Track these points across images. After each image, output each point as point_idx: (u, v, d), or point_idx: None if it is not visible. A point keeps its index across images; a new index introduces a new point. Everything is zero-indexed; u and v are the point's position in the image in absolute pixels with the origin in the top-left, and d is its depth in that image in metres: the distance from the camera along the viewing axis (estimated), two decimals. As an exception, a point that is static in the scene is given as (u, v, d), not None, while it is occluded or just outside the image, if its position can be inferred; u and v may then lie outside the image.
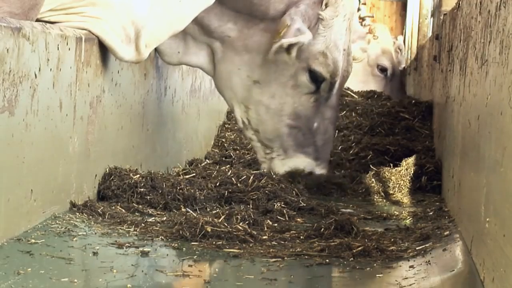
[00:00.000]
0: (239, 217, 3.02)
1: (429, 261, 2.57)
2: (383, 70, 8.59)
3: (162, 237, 2.76)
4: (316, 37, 3.85)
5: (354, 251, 2.67)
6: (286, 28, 3.73)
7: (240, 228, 2.86)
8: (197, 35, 3.92)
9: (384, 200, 4.07)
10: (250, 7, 3.80)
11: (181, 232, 2.79)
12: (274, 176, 3.72)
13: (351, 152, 5.01)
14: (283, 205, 3.42)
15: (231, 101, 4.05)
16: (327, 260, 2.59)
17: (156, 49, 3.77)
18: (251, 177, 3.64)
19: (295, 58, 3.83)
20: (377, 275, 2.46)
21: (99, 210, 2.98)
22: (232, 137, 5.41)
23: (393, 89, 8.60)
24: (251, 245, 2.75)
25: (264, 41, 3.80)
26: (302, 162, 4.00)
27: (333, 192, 4.14)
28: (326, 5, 3.82)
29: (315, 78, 3.91)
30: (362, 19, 10.37)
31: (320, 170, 4.05)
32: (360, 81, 8.23)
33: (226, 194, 3.47)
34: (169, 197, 3.29)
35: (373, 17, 12.24)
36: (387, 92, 8.38)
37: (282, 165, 4.00)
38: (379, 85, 8.48)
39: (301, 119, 3.95)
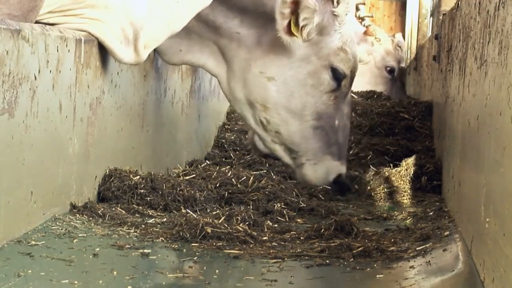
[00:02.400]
0: (239, 218, 3.02)
1: (429, 261, 2.57)
2: (391, 71, 8.62)
3: (163, 238, 2.76)
4: (333, 34, 3.80)
5: (354, 251, 2.67)
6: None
7: (240, 229, 2.86)
8: (202, 32, 3.84)
9: (384, 201, 4.07)
10: (257, 2, 3.76)
11: (181, 233, 2.79)
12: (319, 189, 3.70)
13: (351, 152, 5.01)
14: (283, 206, 3.42)
15: (244, 101, 3.90)
16: (328, 261, 2.60)
17: (156, 49, 3.76)
18: (251, 178, 3.64)
19: (307, 50, 3.75)
20: (377, 276, 2.46)
21: (99, 212, 2.98)
22: (232, 138, 5.41)
23: (397, 89, 8.63)
24: (251, 246, 2.75)
25: (274, 37, 3.73)
26: (331, 165, 3.90)
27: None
28: (338, 2, 3.78)
29: (337, 75, 3.85)
30: (361, 19, 10.37)
31: (344, 169, 3.96)
32: (368, 82, 8.26)
33: (226, 195, 3.47)
34: (169, 198, 3.29)
35: (372, 17, 12.25)
36: (394, 92, 8.41)
37: (314, 171, 3.88)
38: (386, 86, 8.52)
39: (324, 118, 3.85)
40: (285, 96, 3.79)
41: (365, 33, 8.44)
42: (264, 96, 3.81)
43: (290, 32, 3.65)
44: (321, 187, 3.99)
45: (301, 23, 3.63)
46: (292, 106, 3.80)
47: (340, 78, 3.84)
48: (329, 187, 3.95)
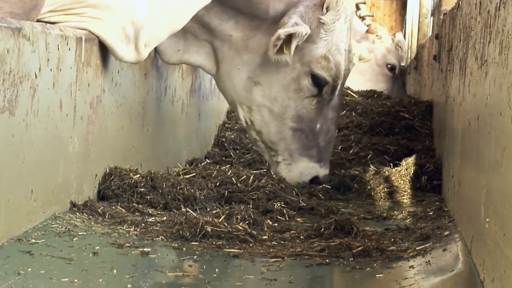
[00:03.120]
0: (239, 217, 3.02)
1: (429, 261, 2.57)
2: (392, 68, 8.62)
3: (162, 237, 2.77)
4: (318, 41, 3.85)
5: (354, 251, 2.67)
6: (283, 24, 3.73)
7: (240, 228, 2.86)
8: (197, 33, 3.90)
9: (384, 200, 4.07)
10: (250, 5, 3.79)
11: (181, 232, 2.79)
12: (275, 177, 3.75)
13: (351, 151, 5.02)
14: (283, 205, 3.42)
15: (233, 101, 4.05)
16: (327, 260, 2.60)
17: (155, 49, 3.76)
18: (251, 177, 3.64)
19: (293, 56, 3.79)
20: (377, 275, 2.47)
21: (99, 210, 2.98)
22: (232, 136, 5.40)
23: (399, 86, 8.62)
24: (251, 245, 2.76)
25: (264, 42, 3.79)
26: (306, 166, 4.01)
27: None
28: (327, 9, 3.81)
29: (318, 82, 3.91)
30: (362, 18, 10.37)
31: (323, 172, 4.06)
32: (369, 80, 8.25)
33: (226, 194, 3.47)
34: (169, 197, 3.29)
35: (373, 16, 12.24)
36: (395, 89, 8.40)
37: (287, 171, 4.00)
38: (388, 84, 8.50)
39: (304, 121, 3.96)
40: (269, 100, 3.91)
41: (367, 31, 8.43)
42: (250, 99, 3.94)
43: (279, 52, 3.74)
44: (321, 186, 4.00)
45: (292, 46, 3.71)
46: (275, 109, 3.93)
47: (322, 85, 3.91)
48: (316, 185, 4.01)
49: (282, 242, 2.85)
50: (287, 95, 3.90)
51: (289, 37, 3.70)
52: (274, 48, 3.71)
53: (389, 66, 8.62)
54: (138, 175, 3.32)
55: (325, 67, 3.88)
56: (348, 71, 4.10)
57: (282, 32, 3.68)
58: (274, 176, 3.92)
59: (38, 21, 2.73)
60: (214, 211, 3.12)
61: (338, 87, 4.02)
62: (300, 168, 4.01)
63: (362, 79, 8.01)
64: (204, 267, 2.46)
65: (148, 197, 3.26)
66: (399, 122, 5.62)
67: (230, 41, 3.86)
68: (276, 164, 4.03)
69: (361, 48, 7.72)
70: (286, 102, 3.91)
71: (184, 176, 3.60)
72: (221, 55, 3.92)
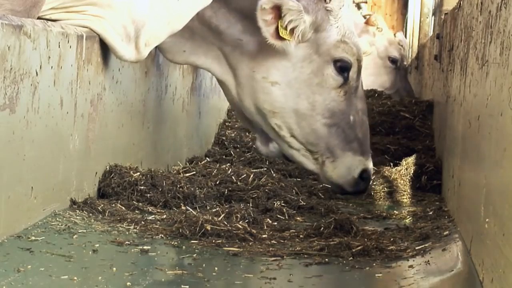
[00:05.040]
0: (238, 215, 3.02)
1: (428, 261, 2.58)
2: (394, 61, 8.60)
3: (162, 235, 2.77)
4: (329, 29, 3.78)
5: (354, 250, 2.68)
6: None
7: (240, 226, 2.86)
8: (206, 35, 3.81)
9: (384, 200, 4.07)
10: (254, 5, 3.75)
11: (180, 230, 2.79)
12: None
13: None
14: (283, 204, 3.42)
15: (252, 108, 3.86)
16: (327, 259, 2.60)
17: (158, 47, 3.75)
18: (251, 176, 3.64)
19: (307, 49, 3.73)
20: (376, 275, 2.47)
21: (99, 208, 2.98)
22: (233, 135, 5.41)
23: (401, 77, 8.60)
24: (250, 243, 2.76)
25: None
26: (353, 160, 3.86)
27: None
28: None
29: (342, 67, 3.80)
30: (364, 17, 10.36)
31: (370, 164, 3.92)
32: (371, 74, 8.22)
33: (226, 192, 3.47)
34: (169, 195, 3.29)
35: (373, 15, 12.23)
36: (398, 81, 8.38)
37: (333, 168, 3.83)
38: (390, 76, 8.48)
39: (337, 115, 3.82)
40: (292, 99, 3.76)
41: (367, 22, 8.38)
42: (270, 101, 3.78)
43: (280, 37, 3.65)
44: (321, 185, 3.99)
45: (288, 26, 3.62)
46: (301, 107, 3.78)
47: (347, 69, 3.82)
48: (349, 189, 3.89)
49: (282, 241, 2.85)
50: (311, 89, 3.77)
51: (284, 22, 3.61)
52: (266, 26, 3.59)
53: (391, 58, 8.60)
54: (138, 173, 3.32)
55: (345, 49, 3.79)
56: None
57: (264, 1, 3.56)
58: (323, 182, 3.84)
59: (39, 18, 2.73)
60: (214, 210, 3.12)
61: (361, 73, 3.96)
62: (347, 164, 3.84)
63: (364, 72, 8.00)
64: (204, 265, 2.46)
65: (148, 195, 3.26)
66: (399, 122, 5.62)
67: (241, 46, 3.77)
68: (321, 166, 3.85)
69: (362, 41, 7.70)
70: (311, 97, 3.77)
71: (184, 174, 3.60)
72: (234, 61, 3.81)
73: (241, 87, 3.84)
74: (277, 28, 3.63)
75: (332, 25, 3.78)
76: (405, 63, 8.97)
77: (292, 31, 3.63)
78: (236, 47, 3.78)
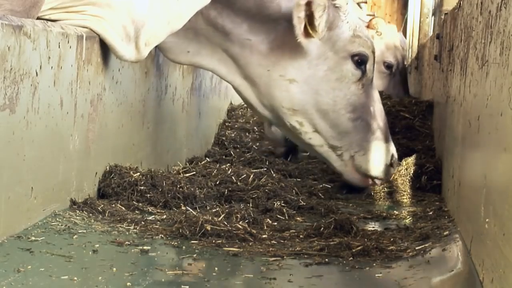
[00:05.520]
0: (238, 215, 3.02)
1: (428, 261, 2.58)
2: (389, 66, 8.60)
3: (162, 235, 2.77)
4: (341, 25, 3.83)
5: (354, 250, 2.67)
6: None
7: (240, 226, 2.86)
8: (211, 36, 3.80)
9: (384, 200, 4.07)
10: (260, 5, 3.75)
11: (180, 231, 2.79)
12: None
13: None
14: (283, 204, 3.42)
15: (269, 108, 3.85)
16: (327, 260, 2.60)
17: (158, 47, 3.75)
18: (251, 176, 3.64)
19: (321, 47, 3.75)
20: (376, 275, 2.47)
21: (99, 208, 2.98)
22: (233, 135, 5.41)
23: (395, 84, 8.59)
24: (250, 243, 2.76)
25: (286, 39, 3.73)
26: (382, 148, 3.93)
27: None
28: None
29: (361, 61, 3.85)
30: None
31: (394, 150, 3.99)
32: None
33: (226, 192, 3.47)
34: (169, 195, 3.29)
35: (374, 15, 12.23)
36: (391, 87, 8.37)
37: (366, 161, 3.91)
38: (384, 82, 8.48)
39: (359, 108, 3.87)
40: (311, 95, 3.78)
41: (368, 26, 8.39)
42: (289, 99, 3.79)
43: (307, 34, 3.69)
44: (324, 185, 3.99)
45: (317, 22, 3.67)
46: (322, 103, 3.80)
47: (364, 62, 3.86)
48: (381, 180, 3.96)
49: (282, 241, 2.85)
50: (330, 86, 3.80)
51: (309, 19, 3.66)
52: (299, 23, 3.64)
53: (386, 64, 8.61)
54: (138, 173, 3.32)
55: (361, 42, 3.85)
56: None
57: None
58: (346, 179, 3.90)
59: (38, 18, 2.73)
60: (214, 210, 3.12)
61: (374, 66, 4.00)
62: (378, 154, 3.91)
63: None
64: (204, 265, 2.46)
65: (148, 195, 3.26)
66: (399, 122, 5.61)
67: (251, 46, 3.76)
68: (351, 160, 3.90)
69: None
70: (331, 93, 3.80)
71: (184, 175, 3.60)
72: (244, 61, 3.80)
73: (256, 87, 3.83)
74: (305, 26, 3.67)
75: (343, 21, 3.83)
76: (405, 63, 8.96)
77: (318, 26, 3.69)
78: (244, 47, 3.77)
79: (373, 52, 3.94)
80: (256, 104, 3.90)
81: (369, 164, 3.91)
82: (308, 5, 3.65)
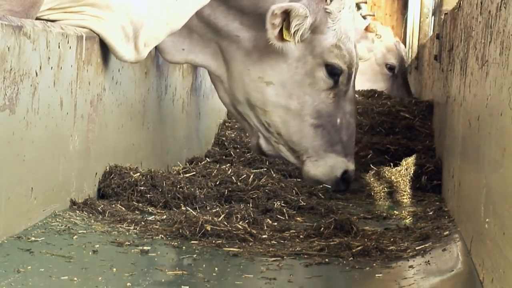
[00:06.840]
0: (239, 216, 3.02)
1: (428, 261, 2.57)
2: (391, 68, 8.62)
3: (162, 236, 2.77)
4: (326, 31, 3.81)
5: (354, 250, 2.67)
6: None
7: (240, 227, 2.86)
8: (204, 32, 3.85)
9: (384, 200, 4.07)
10: (254, 3, 3.76)
11: (181, 231, 2.79)
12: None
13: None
14: (283, 204, 3.42)
15: (245, 103, 3.93)
16: (327, 260, 2.60)
17: (156, 48, 3.76)
18: (251, 176, 3.64)
19: (303, 49, 3.76)
20: (376, 275, 2.47)
21: (99, 208, 2.98)
22: (233, 135, 5.41)
23: (398, 86, 8.61)
24: (250, 244, 2.76)
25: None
26: (336, 161, 3.94)
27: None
28: None
29: (333, 72, 3.84)
30: (363, 17, 10.36)
31: (351, 166, 4.00)
32: (368, 80, 8.25)
33: (226, 192, 3.47)
34: (169, 195, 3.29)
35: (374, 15, 12.24)
36: (395, 89, 8.39)
37: (315, 167, 3.93)
38: (387, 83, 8.50)
39: (324, 116, 3.89)
40: (284, 98, 3.83)
41: (366, 29, 8.41)
42: (263, 100, 3.86)
43: (282, 38, 3.69)
44: (321, 186, 3.98)
45: (292, 30, 3.68)
46: (291, 107, 3.85)
47: (337, 74, 3.86)
48: (329, 186, 3.95)
49: (282, 241, 2.85)
50: (303, 90, 3.83)
51: (288, 24, 3.65)
52: (273, 29, 3.64)
53: (388, 65, 8.63)
54: (138, 174, 3.32)
55: (338, 55, 3.84)
56: (357, 65, 4.05)
57: (275, 7, 3.61)
58: (304, 178, 3.92)
59: (37, 19, 2.73)
60: (214, 210, 3.12)
61: (352, 78, 3.99)
62: (330, 163, 3.93)
63: (362, 78, 8.00)
64: (204, 265, 2.46)
65: (148, 195, 3.26)
66: (399, 122, 5.62)
67: (238, 42, 3.81)
68: (303, 164, 3.95)
69: (360, 47, 7.72)
70: (302, 98, 3.83)
71: (184, 175, 3.60)
72: (229, 55, 3.86)
73: (234, 81, 3.90)
74: (281, 30, 3.67)
75: (329, 28, 3.82)
76: (406, 64, 8.97)
77: (295, 33, 3.69)
78: (232, 42, 3.83)
79: (349, 68, 3.90)
80: (231, 98, 3.97)
81: (318, 170, 3.93)
82: (286, 12, 3.64)
